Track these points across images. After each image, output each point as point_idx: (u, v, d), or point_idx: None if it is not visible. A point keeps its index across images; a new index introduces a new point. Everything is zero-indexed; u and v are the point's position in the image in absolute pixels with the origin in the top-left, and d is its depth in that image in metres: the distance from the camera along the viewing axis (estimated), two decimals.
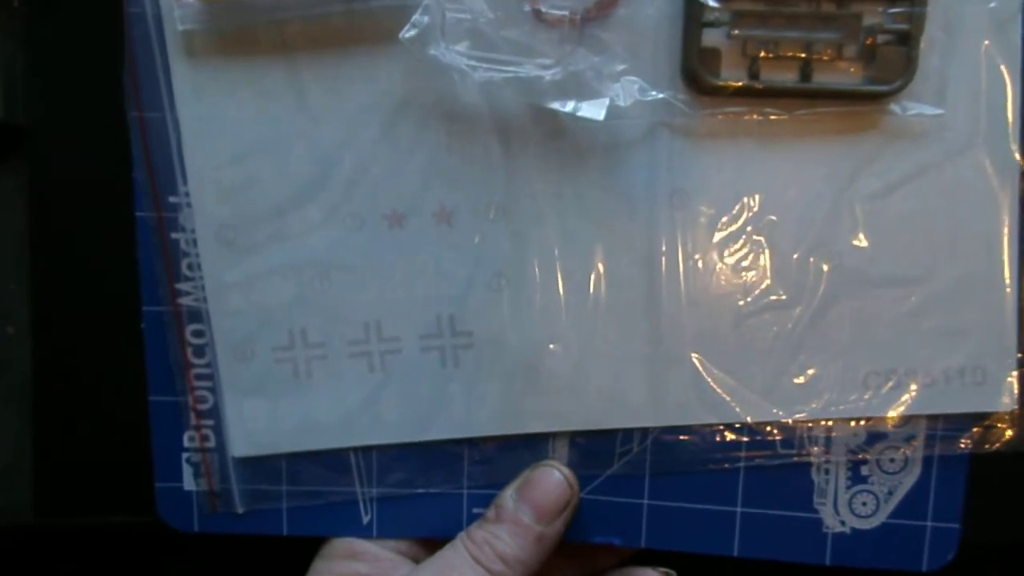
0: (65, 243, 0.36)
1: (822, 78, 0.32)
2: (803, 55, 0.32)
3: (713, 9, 0.31)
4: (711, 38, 0.32)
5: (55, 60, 0.35)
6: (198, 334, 0.35)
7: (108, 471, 0.37)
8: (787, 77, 0.32)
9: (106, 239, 0.35)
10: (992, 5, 0.32)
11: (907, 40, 0.31)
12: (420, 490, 0.36)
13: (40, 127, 0.36)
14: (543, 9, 0.31)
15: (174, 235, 0.34)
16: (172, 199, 0.34)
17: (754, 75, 0.32)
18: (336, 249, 0.34)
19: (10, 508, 0.37)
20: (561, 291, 0.34)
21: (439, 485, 0.36)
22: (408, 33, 0.31)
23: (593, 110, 0.31)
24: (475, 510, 0.36)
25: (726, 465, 0.35)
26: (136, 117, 0.33)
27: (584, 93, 0.32)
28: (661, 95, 0.32)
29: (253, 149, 0.33)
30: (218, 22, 0.32)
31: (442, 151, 0.33)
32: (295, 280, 0.34)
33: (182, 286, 0.35)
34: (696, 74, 0.32)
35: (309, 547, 0.36)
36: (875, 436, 0.35)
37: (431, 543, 0.36)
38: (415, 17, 0.31)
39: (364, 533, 0.36)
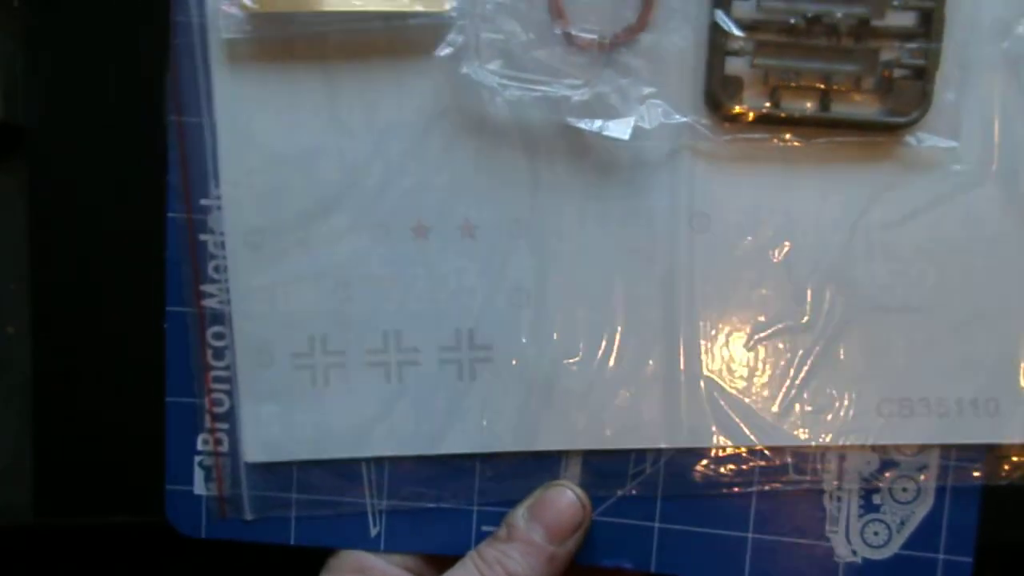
0: (65, 243, 0.36)
1: (840, 108, 0.33)
2: (822, 86, 0.33)
3: (737, 39, 0.33)
4: (734, 66, 0.33)
5: (55, 60, 0.35)
6: (219, 336, 0.35)
7: (108, 471, 0.37)
8: (806, 106, 0.33)
9: (107, 239, 0.35)
10: (1005, 45, 0.33)
11: (923, 75, 0.33)
12: (430, 504, 0.36)
13: (40, 127, 0.36)
14: (573, 32, 0.33)
15: (203, 237, 0.35)
16: (203, 201, 0.35)
17: (775, 103, 0.33)
18: (360, 258, 0.35)
19: (10, 508, 0.37)
20: (580, 309, 0.35)
21: (450, 500, 0.36)
22: (443, 51, 0.32)
23: (619, 129, 0.32)
24: (484, 528, 0.36)
25: (738, 489, 0.35)
26: (175, 121, 0.34)
27: (610, 114, 0.33)
28: (684, 119, 0.33)
29: (286, 157, 0.34)
30: (261, 32, 0.33)
31: (469, 166, 0.34)
32: (318, 287, 0.35)
33: (207, 288, 0.35)
34: (719, 100, 0.33)
35: (310, 553, 0.36)
36: (888, 464, 0.35)
37: (438, 560, 0.36)
38: (450, 35, 0.32)
39: (372, 546, 0.36)
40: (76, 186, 0.36)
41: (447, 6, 0.33)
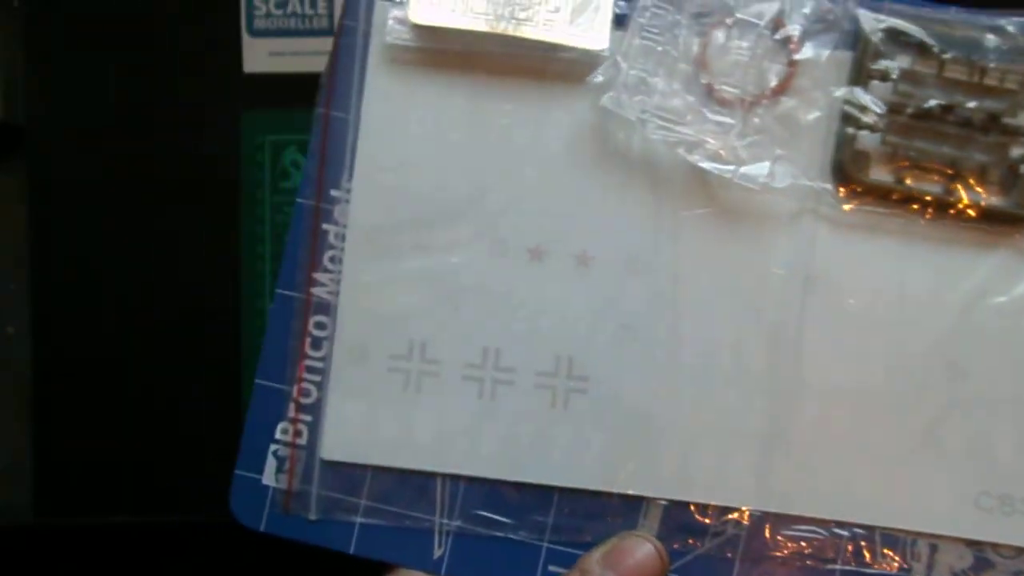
0: (65, 243, 0.36)
1: (964, 194, 0.34)
2: (949, 171, 0.34)
3: (872, 115, 0.34)
4: (865, 141, 0.34)
5: (55, 60, 0.36)
6: (320, 326, 0.35)
7: (108, 471, 0.36)
8: (931, 187, 0.34)
9: (106, 239, 0.36)
10: None
11: None
12: (499, 533, 0.35)
13: (40, 127, 0.36)
14: (716, 86, 0.34)
15: (325, 226, 0.36)
16: (334, 192, 0.36)
17: (900, 180, 0.34)
18: (474, 271, 0.35)
19: (10, 508, 0.36)
20: (684, 354, 0.35)
21: (521, 531, 0.35)
22: (595, 79, 0.34)
23: (751, 177, 0.34)
24: (551, 568, 0.35)
25: (821, 565, 0.34)
26: (323, 113, 0.36)
27: (740, 165, 0.34)
28: (811, 184, 0.34)
29: (419, 161, 0.36)
30: (420, 42, 0.35)
31: (595, 198, 0.35)
32: (427, 292, 0.35)
33: (319, 276, 0.36)
34: (847, 172, 0.34)
35: (312, 557, 0.35)
36: (983, 563, 0.33)
37: None
38: (603, 67, 0.34)
39: (433, 568, 0.35)
40: (76, 186, 0.36)
41: (602, 45, 0.34)
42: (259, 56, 0.36)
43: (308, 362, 0.35)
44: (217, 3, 0.35)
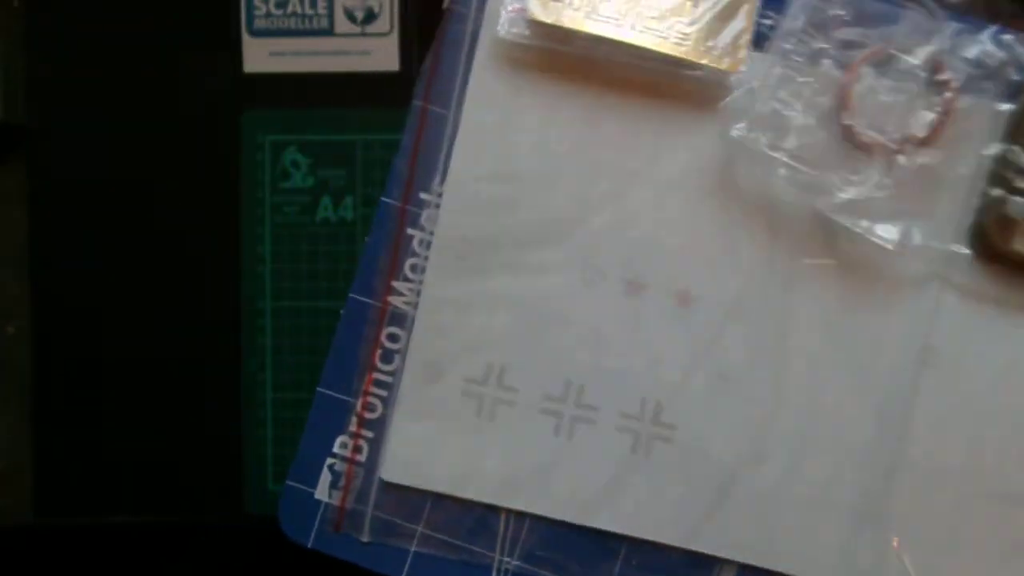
0: (65, 243, 0.36)
1: None
2: None
3: None
4: (1014, 207, 0.31)
5: (55, 60, 0.35)
6: (393, 338, 0.33)
7: (108, 471, 0.36)
8: None
9: (106, 239, 0.35)
10: None
11: None
12: None
13: (40, 127, 0.36)
14: (857, 128, 0.31)
15: (411, 231, 0.33)
16: (423, 195, 0.33)
17: None
18: (564, 298, 0.33)
19: (10, 508, 0.36)
20: (783, 412, 0.32)
21: None
22: (727, 105, 0.31)
23: (886, 235, 0.31)
24: None
25: None
26: (420, 107, 0.33)
27: (874, 220, 0.31)
28: (945, 246, 0.31)
29: (521, 173, 0.33)
30: (537, 41, 0.32)
31: (705, 234, 0.32)
32: (512, 315, 0.33)
33: (398, 285, 0.33)
34: (989, 237, 0.31)
35: (312, 560, 0.33)
36: None
37: None
38: (738, 93, 0.31)
39: None
40: (76, 186, 0.36)
41: (739, 68, 0.31)
42: (259, 56, 0.35)
43: (376, 375, 0.33)
44: (217, 3, 0.34)
